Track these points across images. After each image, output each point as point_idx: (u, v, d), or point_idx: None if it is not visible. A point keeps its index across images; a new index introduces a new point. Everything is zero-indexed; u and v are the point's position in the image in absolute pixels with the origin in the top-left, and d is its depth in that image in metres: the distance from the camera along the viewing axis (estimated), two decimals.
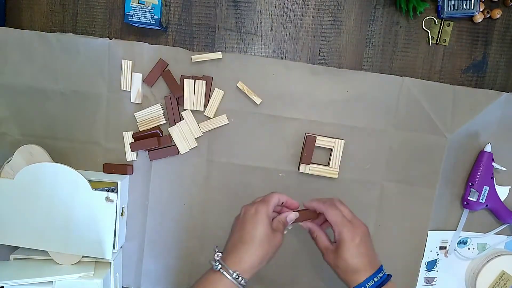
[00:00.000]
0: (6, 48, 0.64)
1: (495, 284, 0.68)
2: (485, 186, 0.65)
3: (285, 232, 0.57)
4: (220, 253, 0.53)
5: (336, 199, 0.58)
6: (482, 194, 0.65)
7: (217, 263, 0.52)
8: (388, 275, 0.54)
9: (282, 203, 0.59)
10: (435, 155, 0.66)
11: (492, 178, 0.65)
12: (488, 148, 0.65)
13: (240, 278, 0.51)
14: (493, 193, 0.65)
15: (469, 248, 0.70)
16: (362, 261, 0.53)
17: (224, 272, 0.51)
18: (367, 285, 0.52)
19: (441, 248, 0.69)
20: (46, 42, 0.64)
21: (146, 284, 0.70)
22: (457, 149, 0.66)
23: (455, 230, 0.68)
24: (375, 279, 0.52)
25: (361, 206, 0.66)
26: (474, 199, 0.65)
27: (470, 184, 0.65)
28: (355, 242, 0.53)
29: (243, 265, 0.51)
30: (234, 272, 0.50)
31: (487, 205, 0.65)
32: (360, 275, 0.52)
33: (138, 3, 0.60)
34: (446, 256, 0.70)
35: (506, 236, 0.69)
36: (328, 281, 0.69)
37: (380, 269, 0.53)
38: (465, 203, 0.66)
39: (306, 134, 0.64)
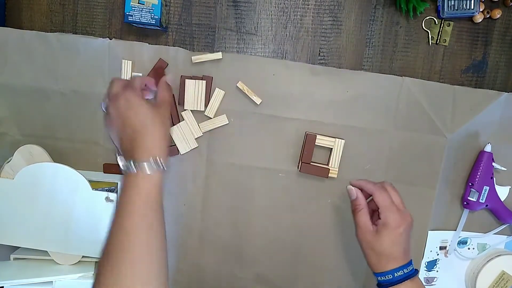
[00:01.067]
0: (6, 48, 0.64)
1: (495, 284, 0.68)
2: (485, 186, 0.65)
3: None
4: (121, 156, 0.51)
5: (388, 183, 0.57)
6: (482, 194, 0.65)
7: (131, 166, 0.48)
8: (416, 270, 0.54)
9: (146, 85, 0.57)
10: (435, 155, 0.66)
11: (492, 178, 0.65)
12: (488, 148, 0.65)
13: (159, 161, 0.48)
14: (493, 193, 0.65)
15: (469, 248, 0.70)
16: (399, 250, 0.52)
17: (144, 168, 0.47)
18: (395, 273, 0.52)
19: (441, 248, 0.69)
20: (46, 42, 0.64)
21: None
22: (457, 149, 0.66)
23: (455, 230, 0.68)
24: (405, 270, 0.52)
25: None
26: (474, 199, 0.65)
27: (470, 184, 0.65)
28: (399, 230, 0.52)
29: (153, 150, 0.49)
30: (151, 159, 0.48)
31: (487, 205, 0.65)
32: (392, 262, 0.52)
33: (138, 3, 0.60)
34: (446, 256, 0.70)
35: (506, 236, 0.69)
36: (328, 281, 0.69)
37: (410, 262, 0.53)
38: (465, 203, 0.66)
39: (306, 132, 0.64)
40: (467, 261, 0.70)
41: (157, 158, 0.49)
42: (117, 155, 0.52)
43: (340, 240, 0.68)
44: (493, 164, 0.65)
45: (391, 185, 0.57)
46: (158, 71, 0.61)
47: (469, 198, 0.65)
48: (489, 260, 0.68)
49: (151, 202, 0.49)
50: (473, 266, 0.70)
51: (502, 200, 0.66)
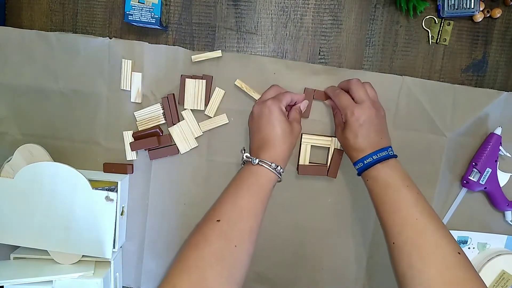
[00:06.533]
0: (6, 48, 0.64)
1: (495, 283, 0.68)
2: (487, 168, 0.64)
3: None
4: (247, 154, 0.59)
5: (356, 79, 0.60)
6: (483, 176, 0.64)
7: (254, 158, 0.56)
8: (389, 154, 0.56)
9: (295, 103, 0.63)
10: (435, 155, 0.65)
11: (496, 161, 0.64)
12: (498, 131, 0.64)
13: (279, 167, 0.56)
14: (494, 177, 0.64)
15: (469, 248, 0.70)
16: (363, 142, 0.57)
17: (264, 164, 0.55)
18: (365, 161, 0.56)
19: None
20: (46, 42, 0.64)
21: (146, 283, 0.70)
22: (457, 149, 0.66)
23: (455, 230, 0.68)
24: (374, 157, 0.56)
25: (361, 206, 0.66)
26: (474, 179, 0.64)
27: (473, 163, 0.64)
28: (358, 122, 0.56)
29: (276, 158, 0.56)
30: (272, 163, 0.55)
31: (485, 188, 0.64)
32: (360, 153, 0.57)
33: (138, 2, 0.60)
34: None
35: (506, 235, 0.69)
36: (327, 280, 0.69)
37: (384, 149, 0.56)
38: (464, 181, 0.65)
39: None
40: None
41: (278, 165, 0.56)
42: (243, 151, 0.61)
43: (340, 240, 0.68)
44: (500, 147, 0.64)
45: (357, 81, 0.59)
46: (306, 95, 0.64)
47: (470, 177, 0.64)
48: (489, 259, 0.68)
49: (264, 191, 0.56)
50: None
51: (501, 185, 0.64)
